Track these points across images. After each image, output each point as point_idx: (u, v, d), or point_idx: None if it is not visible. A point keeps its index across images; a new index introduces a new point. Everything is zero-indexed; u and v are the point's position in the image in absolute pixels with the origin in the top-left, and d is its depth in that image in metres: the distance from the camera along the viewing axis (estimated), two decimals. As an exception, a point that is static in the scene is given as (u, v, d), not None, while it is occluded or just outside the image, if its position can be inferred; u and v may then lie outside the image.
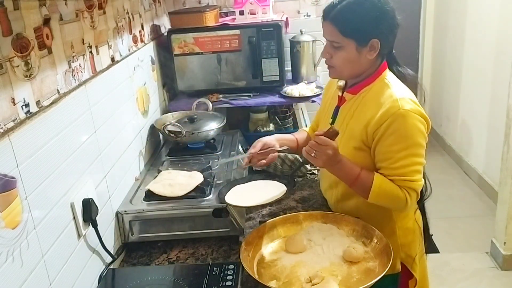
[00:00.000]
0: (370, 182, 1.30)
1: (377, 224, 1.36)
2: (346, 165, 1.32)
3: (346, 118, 1.39)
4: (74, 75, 1.24)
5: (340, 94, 1.45)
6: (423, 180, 1.31)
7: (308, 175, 1.88)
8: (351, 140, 1.36)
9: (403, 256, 1.44)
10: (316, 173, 1.90)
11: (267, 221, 1.41)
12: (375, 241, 1.30)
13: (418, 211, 1.48)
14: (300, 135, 1.67)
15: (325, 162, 1.30)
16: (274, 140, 1.56)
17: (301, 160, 1.83)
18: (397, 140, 1.27)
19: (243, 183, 1.50)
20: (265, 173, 1.89)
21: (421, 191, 1.37)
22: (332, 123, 1.44)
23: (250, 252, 1.30)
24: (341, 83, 1.46)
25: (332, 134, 1.29)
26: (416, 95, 1.36)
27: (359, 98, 1.37)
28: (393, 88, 1.32)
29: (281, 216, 1.44)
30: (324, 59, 1.38)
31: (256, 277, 1.19)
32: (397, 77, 1.38)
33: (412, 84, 1.38)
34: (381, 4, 1.29)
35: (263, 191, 1.42)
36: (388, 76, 1.36)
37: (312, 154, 1.30)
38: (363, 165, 1.34)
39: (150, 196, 1.51)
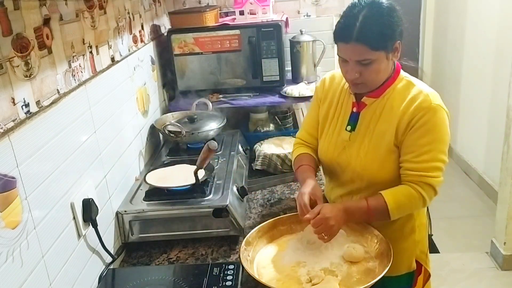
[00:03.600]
0: (383, 203, 1.26)
1: (400, 223, 1.35)
2: (353, 209, 1.29)
3: (371, 122, 1.34)
4: (74, 75, 1.24)
5: (354, 100, 1.37)
6: (442, 178, 1.29)
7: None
8: (382, 144, 1.31)
9: (418, 253, 1.44)
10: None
11: (267, 221, 1.41)
12: (375, 241, 1.30)
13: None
14: (308, 161, 1.46)
15: (339, 226, 1.26)
16: (319, 193, 1.34)
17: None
18: (424, 133, 1.25)
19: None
20: (266, 173, 1.90)
21: None
22: (352, 129, 1.36)
23: (250, 252, 1.30)
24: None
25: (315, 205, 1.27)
26: None
27: (383, 100, 1.33)
28: (419, 85, 1.31)
29: (281, 216, 1.44)
30: (339, 73, 1.36)
31: (256, 277, 1.19)
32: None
33: (415, 76, 1.38)
34: (392, 6, 1.25)
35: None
36: (406, 74, 1.35)
37: (325, 237, 1.27)
38: (393, 169, 1.31)
39: (150, 195, 1.51)
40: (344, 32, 1.24)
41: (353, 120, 1.37)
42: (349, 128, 1.37)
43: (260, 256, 1.32)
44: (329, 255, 1.27)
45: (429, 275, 1.48)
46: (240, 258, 1.25)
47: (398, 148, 1.30)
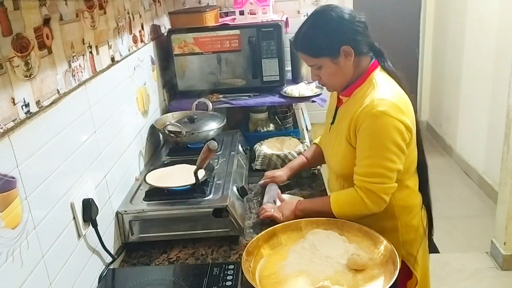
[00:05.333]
0: (328, 202, 1.40)
1: (379, 220, 1.37)
2: (306, 202, 1.50)
3: (341, 118, 1.44)
4: (74, 75, 1.24)
5: (338, 95, 1.49)
6: (389, 185, 1.31)
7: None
8: (342, 140, 1.40)
9: (404, 254, 1.43)
10: (316, 173, 1.90)
11: (266, 230, 1.38)
12: (379, 248, 1.27)
13: (424, 210, 1.48)
14: (309, 152, 1.78)
15: (288, 216, 1.47)
16: (284, 174, 1.73)
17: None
18: (365, 139, 1.31)
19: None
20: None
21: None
22: (332, 122, 1.50)
23: (252, 262, 1.27)
24: None
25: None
26: (403, 89, 1.37)
27: (351, 99, 1.41)
28: (377, 89, 1.33)
29: (281, 224, 1.41)
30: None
31: None
32: (388, 72, 1.39)
33: (402, 77, 1.41)
34: (333, 16, 1.34)
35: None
36: (377, 76, 1.37)
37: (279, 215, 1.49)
38: (353, 164, 1.38)
39: (150, 195, 1.51)
40: (293, 42, 1.43)
41: (335, 114, 1.50)
42: (331, 121, 1.52)
43: (262, 266, 1.28)
44: (333, 263, 1.23)
45: (417, 281, 1.46)
46: (242, 269, 1.22)
47: (353, 147, 1.37)
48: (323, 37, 1.34)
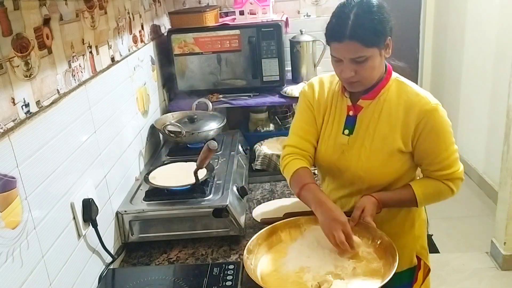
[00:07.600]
0: (412, 194, 1.35)
1: (400, 219, 1.40)
2: (387, 199, 1.35)
3: (370, 125, 1.33)
4: (74, 75, 1.24)
5: (350, 103, 1.36)
6: (462, 166, 1.37)
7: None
8: (383, 147, 1.32)
9: (419, 249, 1.46)
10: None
11: (265, 228, 1.37)
12: (377, 241, 1.28)
13: None
14: (312, 177, 1.38)
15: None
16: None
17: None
18: (437, 135, 1.30)
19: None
20: (266, 172, 1.90)
21: None
22: (350, 133, 1.36)
23: (253, 260, 1.27)
24: (347, 93, 1.37)
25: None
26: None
27: (379, 102, 1.33)
28: (412, 87, 1.34)
29: (281, 221, 1.40)
30: (337, 74, 1.32)
31: (263, 286, 1.16)
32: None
33: (406, 75, 1.40)
34: (381, 3, 1.27)
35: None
36: (396, 74, 1.37)
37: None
38: (395, 170, 1.35)
39: (150, 195, 1.51)
40: (337, 31, 1.23)
41: (350, 124, 1.36)
42: (346, 132, 1.36)
43: (262, 264, 1.28)
44: (332, 259, 1.24)
45: (429, 270, 1.49)
46: (244, 267, 1.22)
47: (402, 152, 1.32)
48: (377, 25, 1.23)
